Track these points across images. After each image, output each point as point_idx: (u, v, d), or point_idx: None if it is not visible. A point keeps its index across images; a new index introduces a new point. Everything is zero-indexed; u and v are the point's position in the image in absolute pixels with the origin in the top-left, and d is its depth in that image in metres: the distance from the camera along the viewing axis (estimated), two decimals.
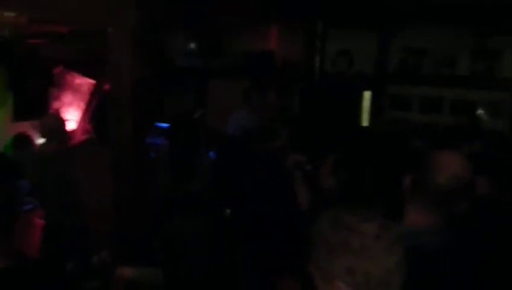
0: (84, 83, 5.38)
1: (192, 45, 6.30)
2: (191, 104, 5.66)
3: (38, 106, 5.20)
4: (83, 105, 5.36)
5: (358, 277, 1.00)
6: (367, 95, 5.60)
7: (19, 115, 5.03)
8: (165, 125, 4.38)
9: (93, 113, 4.94)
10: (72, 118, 5.24)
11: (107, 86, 5.30)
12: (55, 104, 5.34)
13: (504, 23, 4.42)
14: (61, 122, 3.09)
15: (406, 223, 1.41)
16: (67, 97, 5.35)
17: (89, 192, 2.63)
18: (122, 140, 2.35)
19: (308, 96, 5.37)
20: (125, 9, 2.21)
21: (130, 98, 2.31)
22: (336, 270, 1.01)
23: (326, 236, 1.03)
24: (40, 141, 4.89)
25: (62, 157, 2.90)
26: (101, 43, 2.33)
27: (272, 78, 5.70)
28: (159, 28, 2.81)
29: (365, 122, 5.47)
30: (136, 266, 2.30)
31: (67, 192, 2.78)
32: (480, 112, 5.07)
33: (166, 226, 2.09)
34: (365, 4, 4.72)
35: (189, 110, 5.05)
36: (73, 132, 4.97)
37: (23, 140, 4.31)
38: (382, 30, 5.53)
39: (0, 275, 1.31)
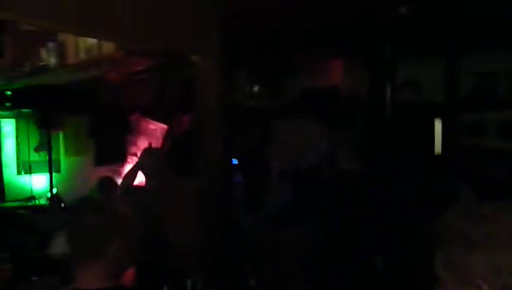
0: (158, 128, 5.64)
1: (256, 87, 6.48)
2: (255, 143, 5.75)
3: (116, 152, 5.50)
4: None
5: (506, 278, 0.87)
6: (437, 123, 5.44)
7: (99, 160, 5.33)
8: (235, 161, 4.45)
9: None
10: None
11: (177, 131, 5.53)
12: (132, 149, 5.62)
13: None
14: (160, 157, 3.20)
15: None
16: (143, 142, 5.62)
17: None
18: (212, 168, 2.40)
19: (378, 128, 5.28)
20: (210, 35, 2.32)
21: (218, 125, 2.38)
22: (476, 269, 0.89)
23: (462, 231, 0.92)
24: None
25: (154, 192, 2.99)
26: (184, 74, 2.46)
27: (336, 112, 5.72)
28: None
29: (438, 150, 5.28)
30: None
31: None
32: None
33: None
34: (432, 31, 4.68)
35: (258, 145, 5.12)
36: None
37: (107, 183, 4.54)
38: (451, 55, 5.43)
39: None
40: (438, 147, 4.73)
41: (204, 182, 2.50)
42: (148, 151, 3.49)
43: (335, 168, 4.37)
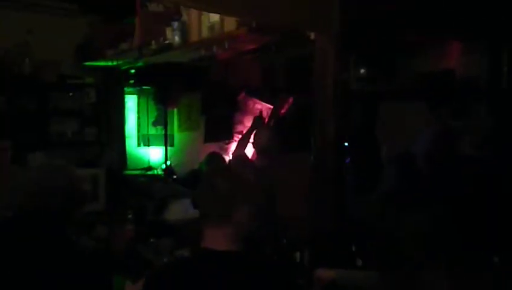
0: (264, 108, 5.76)
1: (368, 69, 6.28)
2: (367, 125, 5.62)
3: (225, 129, 5.73)
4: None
5: None
6: None
7: (209, 137, 5.60)
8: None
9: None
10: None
11: (283, 110, 5.58)
12: (239, 128, 5.82)
13: None
14: (274, 137, 3.31)
15: None
16: (249, 121, 5.79)
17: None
18: (326, 143, 2.41)
19: (498, 115, 4.86)
20: (329, 12, 2.31)
21: (333, 101, 2.38)
22: None
23: None
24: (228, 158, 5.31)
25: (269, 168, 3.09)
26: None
27: (451, 98, 5.37)
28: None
29: None
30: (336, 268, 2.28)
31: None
32: None
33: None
34: None
35: (368, 128, 5.01)
36: None
37: (216, 159, 4.77)
38: None
39: (225, 257, 1.45)
40: None
41: (317, 160, 2.52)
42: (259, 124, 3.60)
43: (448, 154, 4.11)
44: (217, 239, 1.51)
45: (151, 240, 3.23)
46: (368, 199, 3.02)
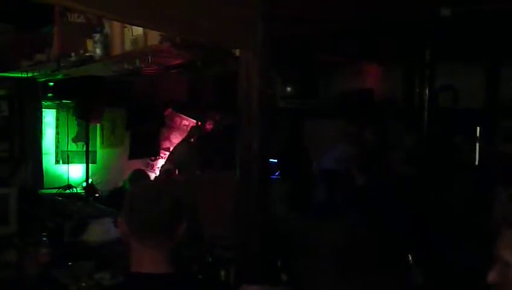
0: (191, 124, 5.72)
1: (289, 89, 6.47)
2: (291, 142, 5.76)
3: (151, 146, 5.59)
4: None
5: None
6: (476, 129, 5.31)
7: (134, 153, 5.44)
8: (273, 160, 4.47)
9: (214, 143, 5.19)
10: None
11: (209, 126, 5.56)
12: (166, 144, 5.71)
13: None
14: (193, 152, 3.26)
15: None
16: (175, 137, 5.72)
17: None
18: (250, 159, 2.41)
19: (413, 133, 5.20)
20: (253, 30, 2.34)
21: (257, 117, 2.39)
22: None
23: None
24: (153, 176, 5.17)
25: (189, 184, 3.04)
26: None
27: (369, 115, 5.67)
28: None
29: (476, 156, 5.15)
30: (261, 284, 2.28)
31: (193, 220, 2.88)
32: None
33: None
34: (472, 36, 4.57)
35: (298, 145, 5.13)
36: None
37: (140, 175, 4.63)
38: (491, 61, 5.29)
39: (164, 281, 1.37)
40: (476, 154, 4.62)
41: (241, 177, 2.52)
42: (179, 145, 3.55)
43: (365, 170, 4.33)
44: (153, 261, 1.39)
45: (69, 263, 3.04)
46: (295, 213, 3.08)
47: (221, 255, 2.58)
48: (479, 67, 5.41)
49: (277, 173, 4.08)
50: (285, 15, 3.14)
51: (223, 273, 2.41)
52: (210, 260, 2.60)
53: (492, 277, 0.98)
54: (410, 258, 2.29)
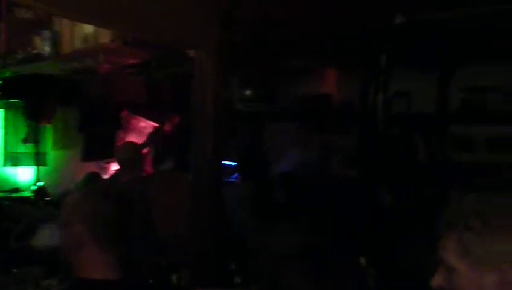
0: (148, 126, 5.61)
1: (248, 92, 6.49)
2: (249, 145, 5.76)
3: (105, 148, 5.44)
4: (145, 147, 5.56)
5: None
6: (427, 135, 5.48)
7: (87, 155, 5.27)
8: (229, 163, 4.44)
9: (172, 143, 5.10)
10: None
11: (168, 128, 5.49)
12: None
13: None
14: (138, 151, 3.18)
15: None
16: (132, 139, 5.58)
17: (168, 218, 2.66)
18: (205, 161, 2.38)
19: (368, 137, 5.31)
20: (208, 30, 2.32)
21: (212, 119, 2.37)
22: (495, 255, 0.90)
23: (481, 218, 0.92)
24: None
25: (136, 186, 2.96)
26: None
27: (327, 120, 5.76)
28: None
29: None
30: (214, 288, 2.26)
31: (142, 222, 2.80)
32: None
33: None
34: (426, 44, 4.73)
35: (258, 148, 5.13)
36: None
37: (94, 178, 4.49)
38: (442, 69, 5.49)
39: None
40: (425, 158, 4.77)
41: (195, 180, 2.48)
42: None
43: (323, 173, 4.40)
44: (100, 267, 1.34)
45: (14, 270, 2.90)
46: (252, 216, 3.07)
47: (174, 258, 2.53)
48: (433, 75, 5.60)
49: (235, 176, 4.05)
50: (243, 17, 3.14)
51: (174, 277, 2.36)
52: (163, 263, 2.55)
53: (436, 281, 0.97)
54: (364, 261, 2.33)
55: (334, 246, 2.38)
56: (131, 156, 3.04)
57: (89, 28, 2.61)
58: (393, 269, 2.07)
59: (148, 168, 5.19)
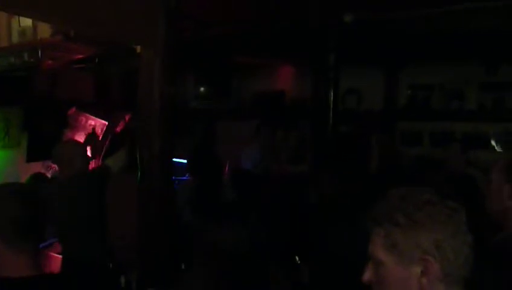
0: (98, 124, 5.43)
1: (202, 89, 6.44)
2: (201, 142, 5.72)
3: (51, 147, 5.21)
4: (95, 146, 5.39)
5: (448, 253, 0.96)
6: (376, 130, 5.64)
7: (33, 155, 5.04)
8: (182, 161, 4.38)
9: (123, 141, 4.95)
10: None
11: (118, 127, 5.35)
12: None
13: None
14: (79, 148, 3.02)
15: None
16: (80, 138, 5.38)
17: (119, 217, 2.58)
18: (151, 160, 2.33)
19: (320, 133, 5.40)
20: (155, 26, 2.27)
21: (159, 116, 2.32)
22: (419, 248, 0.96)
23: (404, 212, 0.98)
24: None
25: (76, 182, 2.82)
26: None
27: (281, 116, 5.80)
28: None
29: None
30: (163, 288, 2.22)
31: (86, 220, 2.68)
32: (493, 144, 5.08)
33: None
34: (374, 43, 4.86)
35: (208, 145, 5.08)
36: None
37: (39, 179, 4.30)
38: (390, 67, 5.67)
39: (26, 284, 1.29)
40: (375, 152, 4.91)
41: (143, 180, 2.43)
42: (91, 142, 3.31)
43: (277, 170, 4.41)
44: (20, 265, 1.30)
45: None
46: (202, 215, 3.03)
47: (125, 260, 2.46)
48: (381, 72, 5.77)
49: (186, 175, 4.00)
50: (193, 14, 3.09)
51: (123, 279, 2.30)
52: (110, 265, 2.47)
53: (366, 276, 1.02)
54: (297, 259, 2.36)
55: (277, 243, 2.40)
56: (66, 155, 2.87)
57: (26, 22, 2.49)
58: (326, 265, 2.11)
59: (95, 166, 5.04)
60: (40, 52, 2.54)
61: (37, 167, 5.03)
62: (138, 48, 2.47)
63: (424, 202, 0.99)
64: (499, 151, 5.05)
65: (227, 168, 4.48)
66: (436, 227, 0.96)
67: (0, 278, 1.30)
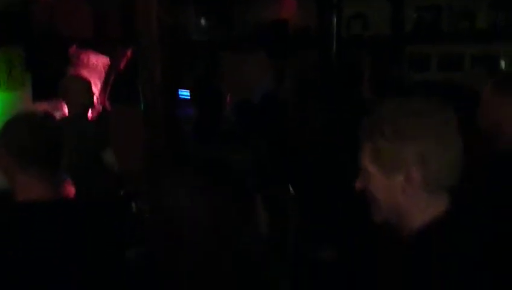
0: (100, 61, 5.39)
1: (203, 20, 6.28)
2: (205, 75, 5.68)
3: (56, 85, 5.22)
4: (99, 83, 5.38)
5: (432, 164, 0.97)
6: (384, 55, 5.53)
7: (38, 95, 5.06)
8: (186, 92, 4.37)
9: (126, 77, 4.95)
10: None
11: (122, 64, 5.31)
12: None
13: None
14: (86, 83, 3.04)
15: None
16: (84, 76, 5.37)
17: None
18: (153, 91, 2.34)
19: (325, 61, 5.31)
20: None
21: (159, 45, 2.30)
22: (405, 157, 0.98)
23: (391, 123, 1.00)
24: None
25: (81, 120, 2.85)
26: None
27: (285, 46, 5.69)
28: None
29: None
30: None
31: (92, 156, 2.74)
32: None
33: None
34: None
35: (208, 78, 5.05)
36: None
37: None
38: None
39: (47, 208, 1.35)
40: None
41: (146, 110, 2.45)
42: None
43: (282, 101, 4.40)
44: (40, 188, 1.37)
45: None
46: (207, 145, 3.08)
47: (135, 188, 2.56)
48: None
49: (188, 107, 4.00)
50: None
51: (134, 205, 2.40)
52: (122, 193, 2.57)
53: (358, 184, 1.08)
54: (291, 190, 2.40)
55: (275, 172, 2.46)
56: (71, 89, 2.90)
57: None
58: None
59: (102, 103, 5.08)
60: None
61: (44, 106, 5.06)
62: None
63: (412, 113, 1.00)
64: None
65: (228, 99, 4.47)
66: (421, 138, 0.98)
67: (19, 202, 1.38)
